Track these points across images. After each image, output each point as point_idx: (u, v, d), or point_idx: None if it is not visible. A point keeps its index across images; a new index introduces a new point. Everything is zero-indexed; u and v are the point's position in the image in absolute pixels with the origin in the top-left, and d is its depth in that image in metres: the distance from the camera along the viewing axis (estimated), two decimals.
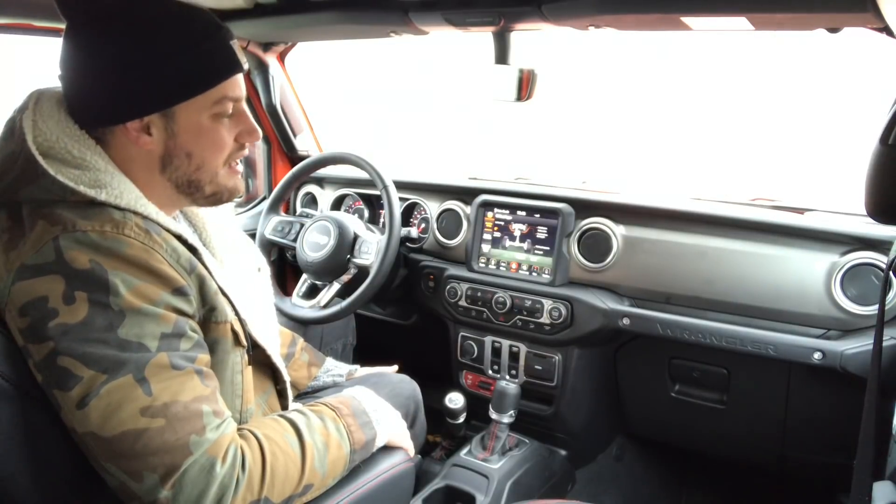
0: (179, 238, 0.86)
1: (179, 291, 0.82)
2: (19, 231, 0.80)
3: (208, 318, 0.88)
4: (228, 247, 1.04)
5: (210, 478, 0.78)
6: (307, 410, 0.98)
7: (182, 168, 0.90)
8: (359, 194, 2.03)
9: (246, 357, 0.95)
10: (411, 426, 1.35)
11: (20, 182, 0.81)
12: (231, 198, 0.98)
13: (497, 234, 1.71)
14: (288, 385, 1.09)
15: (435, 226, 1.86)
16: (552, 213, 1.63)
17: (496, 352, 1.74)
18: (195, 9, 0.89)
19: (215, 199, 0.96)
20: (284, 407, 1.09)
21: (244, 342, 0.94)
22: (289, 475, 0.87)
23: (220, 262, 0.99)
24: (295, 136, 2.14)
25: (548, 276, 1.62)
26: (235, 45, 0.91)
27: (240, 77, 0.92)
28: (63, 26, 0.87)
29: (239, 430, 0.87)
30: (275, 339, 1.07)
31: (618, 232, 1.58)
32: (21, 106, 0.86)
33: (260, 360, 1.01)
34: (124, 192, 0.84)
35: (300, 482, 0.88)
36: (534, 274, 1.65)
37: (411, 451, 1.14)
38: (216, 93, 0.88)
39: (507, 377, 1.73)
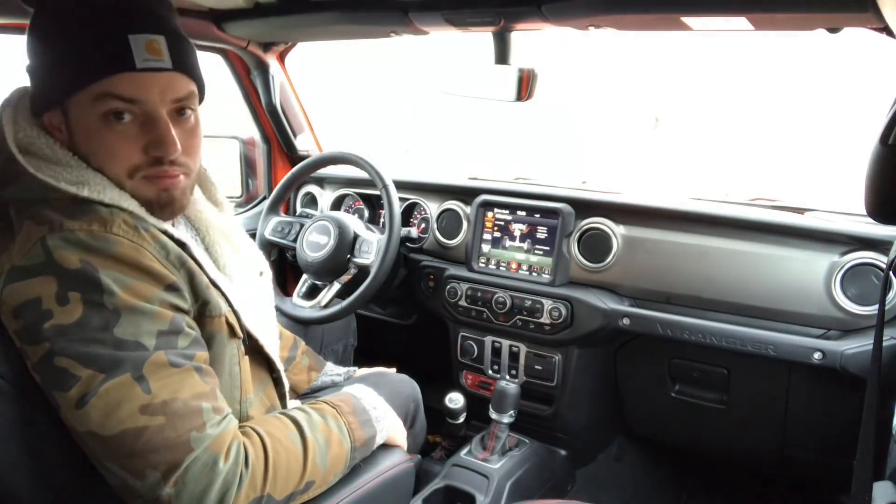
0: (166, 233, 0.85)
1: (172, 287, 0.82)
2: (8, 232, 0.80)
3: (202, 312, 0.87)
4: (232, 251, 1.03)
5: (213, 474, 0.78)
6: (308, 408, 0.98)
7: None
8: (359, 194, 2.03)
9: (242, 348, 0.95)
10: (411, 426, 1.35)
11: (2, 181, 0.81)
12: (159, 213, 0.87)
13: (497, 234, 1.71)
14: (283, 374, 1.09)
15: (435, 226, 1.86)
16: (552, 213, 1.63)
17: (496, 352, 1.74)
18: None
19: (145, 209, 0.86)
20: (281, 395, 1.09)
21: (240, 333, 0.93)
22: (291, 471, 0.87)
23: (222, 267, 0.98)
24: (295, 136, 2.14)
25: (548, 276, 1.62)
26: (139, 39, 0.80)
27: (141, 77, 0.81)
28: None
29: (241, 426, 0.87)
30: (272, 336, 1.06)
31: (618, 232, 1.58)
32: (3, 103, 0.86)
33: (255, 350, 1.01)
34: (106, 187, 0.82)
35: (302, 479, 0.89)
36: (534, 274, 1.65)
37: (405, 447, 1.14)
38: (96, 89, 0.79)
39: (507, 377, 1.73)
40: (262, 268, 1.12)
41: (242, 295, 0.96)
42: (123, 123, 0.82)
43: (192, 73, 0.88)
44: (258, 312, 1.02)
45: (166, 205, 0.88)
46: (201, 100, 0.93)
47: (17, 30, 1.45)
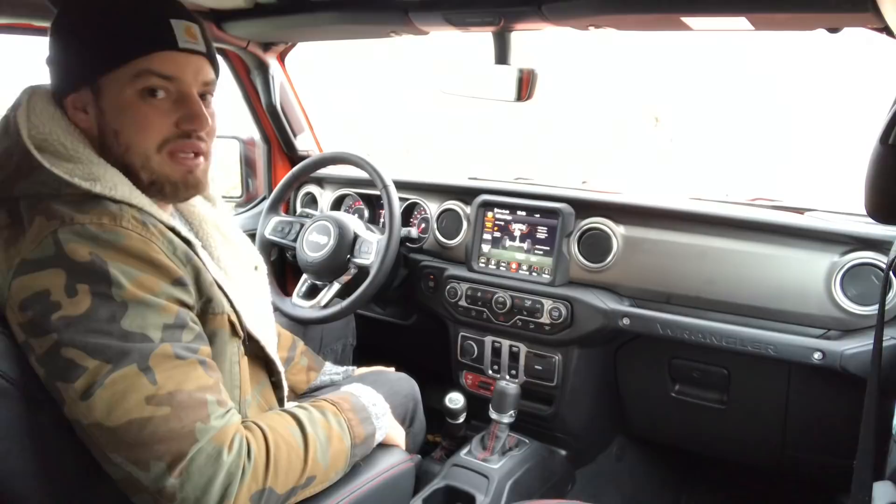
0: (173, 230, 0.87)
1: (179, 282, 0.83)
2: (18, 227, 0.81)
3: (205, 309, 0.88)
4: (225, 245, 1.04)
5: (217, 466, 0.78)
6: (308, 405, 0.99)
7: (113, 149, 0.88)
8: (359, 194, 2.03)
9: (242, 348, 0.95)
10: (410, 425, 1.35)
11: (16, 177, 0.82)
12: (184, 192, 0.92)
13: (497, 234, 1.71)
14: (283, 377, 1.09)
15: (435, 226, 1.85)
16: (552, 213, 1.63)
17: (496, 352, 1.74)
18: None
19: (157, 190, 0.90)
20: (279, 398, 1.10)
21: (241, 332, 0.94)
22: (292, 466, 0.88)
23: (216, 259, 0.99)
24: (295, 136, 2.14)
25: (548, 276, 1.62)
26: (180, 24, 0.87)
27: (180, 56, 0.87)
28: None
29: (243, 421, 0.87)
30: (270, 334, 1.07)
31: (618, 232, 1.58)
32: (15, 103, 0.87)
33: (254, 351, 1.01)
34: (118, 183, 0.84)
35: (303, 473, 0.89)
36: (534, 274, 1.65)
37: (404, 447, 1.15)
38: (136, 66, 0.85)
39: (507, 377, 1.73)
40: (257, 262, 1.12)
41: (240, 292, 0.97)
42: (158, 99, 0.87)
43: (216, 63, 0.95)
44: (256, 310, 1.02)
45: (193, 185, 0.93)
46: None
47: (19, 30, 1.45)
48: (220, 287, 0.91)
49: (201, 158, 0.92)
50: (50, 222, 0.79)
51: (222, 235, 1.04)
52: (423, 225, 1.90)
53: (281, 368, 1.08)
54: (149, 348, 0.78)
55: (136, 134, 0.87)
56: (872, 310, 1.31)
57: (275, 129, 2.11)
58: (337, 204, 2.07)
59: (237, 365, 0.94)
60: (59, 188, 0.81)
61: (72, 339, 0.76)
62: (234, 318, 0.93)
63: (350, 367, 1.51)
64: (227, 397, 0.85)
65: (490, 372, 1.77)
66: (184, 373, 0.80)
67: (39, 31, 1.45)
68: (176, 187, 0.91)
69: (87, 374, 0.75)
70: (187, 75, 0.88)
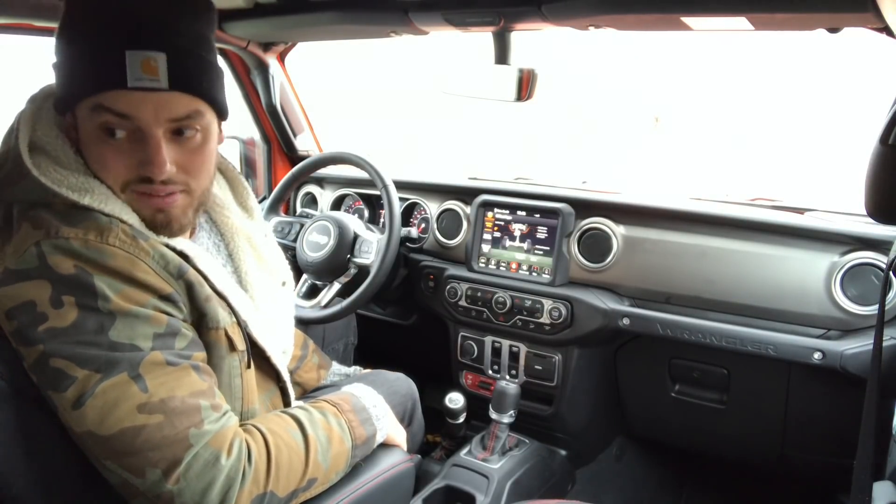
0: (167, 244, 0.85)
1: (167, 298, 0.82)
2: (7, 232, 0.80)
3: (200, 323, 0.87)
4: (255, 259, 1.03)
5: (216, 470, 0.78)
6: (309, 406, 0.98)
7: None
8: (359, 194, 2.04)
9: (245, 360, 0.93)
10: (409, 424, 1.35)
11: (7, 181, 0.81)
12: (162, 230, 0.86)
13: (497, 234, 1.71)
14: (288, 383, 1.09)
15: (435, 226, 1.86)
16: (552, 213, 1.63)
17: (496, 352, 1.74)
18: (122, 9, 0.80)
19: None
20: (287, 404, 1.09)
21: (239, 346, 0.92)
22: (293, 469, 0.87)
23: (243, 273, 0.98)
24: (295, 136, 2.14)
25: (548, 276, 1.62)
26: (136, 56, 0.77)
27: (133, 94, 0.78)
28: None
29: (242, 424, 0.87)
30: (283, 346, 1.06)
31: (618, 232, 1.58)
32: (29, 99, 0.86)
33: (262, 358, 1.00)
34: (109, 197, 0.82)
35: (304, 476, 0.89)
36: (534, 274, 1.65)
37: (404, 447, 1.15)
38: (90, 101, 0.79)
39: (507, 377, 1.73)
40: (286, 278, 1.11)
41: (259, 304, 0.96)
42: (117, 140, 0.81)
43: (198, 91, 0.84)
44: (273, 323, 1.01)
45: (163, 225, 0.86)
46: (223, 117, 0.91)
47: (19, 30, 1.45)
48: (224, 299, 0.89)
49: (177, 195, 0.85)
50: (35, 231, 0.77)
51: (253, 248, 1.03)
52: (423, 225, 1.90)
53: (286, 377, 1.07)
54: (139, 356, 0.77)
55: (100, 171, 0.83)
56: (872, 310, 1.31)
57: (275, 129, 2.11)
58: (337, 204, 2.07)
59: (238, 378, 0.92)
60: (47, 197, 0.80)
61: (59, 350, 0.75)
62: (232, 332, 0.90)
63: (356, 368, 1.50)
64: (223, 401, 0.85)
65: (490, 372, 1.77)
66: (176, 379, 0.79)
67: (39, 31, 1.45)
68: (147, 225, 0.85)
69: (78, 384, 0.75)
70: (145, 113, 0.79)
